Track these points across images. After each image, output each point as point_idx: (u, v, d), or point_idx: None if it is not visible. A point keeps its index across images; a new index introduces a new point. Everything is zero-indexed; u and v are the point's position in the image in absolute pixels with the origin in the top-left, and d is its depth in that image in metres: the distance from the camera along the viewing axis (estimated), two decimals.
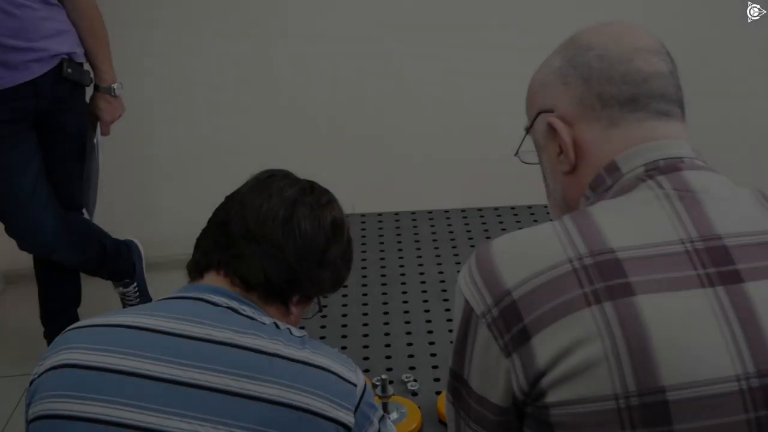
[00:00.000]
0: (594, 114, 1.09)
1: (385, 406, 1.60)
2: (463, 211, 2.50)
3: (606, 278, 0.94)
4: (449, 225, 2.42)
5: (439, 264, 2.21)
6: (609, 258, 0.96)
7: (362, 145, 3.27)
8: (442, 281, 2.13)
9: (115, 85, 2.56)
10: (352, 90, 3.27)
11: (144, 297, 2.88)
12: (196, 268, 1.30)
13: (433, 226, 2.42)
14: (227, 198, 1.36)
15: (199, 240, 1.35)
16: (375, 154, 3.29)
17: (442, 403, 1.64)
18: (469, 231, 2.37)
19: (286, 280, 1.28)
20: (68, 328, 1.24)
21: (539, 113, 1.15)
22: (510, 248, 1.01)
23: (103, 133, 2.61)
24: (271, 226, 1.28)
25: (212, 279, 1.28)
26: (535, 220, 2.41)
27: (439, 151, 3.27)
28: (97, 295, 2.96)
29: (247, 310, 1.22)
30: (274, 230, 1.27)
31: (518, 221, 2.42)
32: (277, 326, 1.21)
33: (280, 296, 1.29)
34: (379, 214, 2.50)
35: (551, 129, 1.12)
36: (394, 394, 1.61)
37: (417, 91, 3.29)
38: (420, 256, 2.25)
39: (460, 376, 1.06)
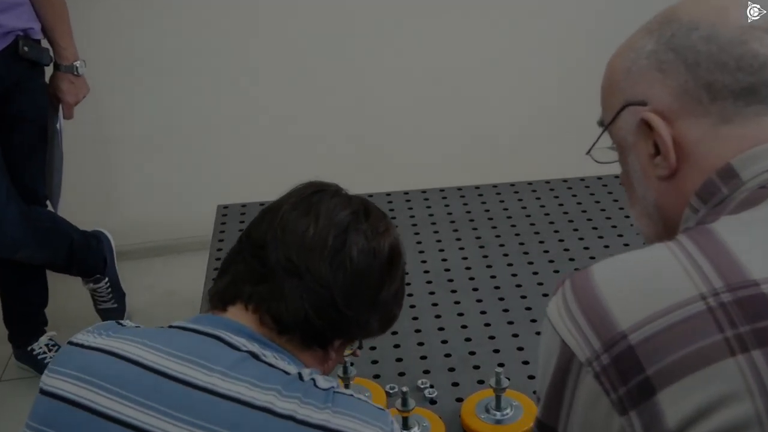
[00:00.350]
0: (701, 108, 0.91)
1: (405, 421, 1.44)
2: (459, 189, 2.33)
3: (752, 319, 0.76)
4: (446, 206, 2.25)
5: (442, 250, 2.04)
6: (753, 293, 0.78)
7: (346, 123, 3.06)
8: (447, 269, 1.96)
9: (77, 63, 2.34)
10: (332, 66, 3.05)
11: (116, 292, 2.68)
12: (221, 298, 1.11)
13: (429, 207, 2.25)
14: (264, 212, 1.16)
15: (227, 261, 1.15)
16: (362, 131, 3.08)
17: (465, 412, 1.49)
18: (469, 212, 2.21)
19: (330, 323, 1.09)
20: (70, 341, 1.09)
21: (625, 106, 0.97)
22: (620, 279, 0.84)
23: (65, 117, 2.39)
24: (318, 258, 1.07)
25: (237, 314, 1.08)
26: (538, 198, 2.25)
27: (430, 128, 3.07)
28: (66, 293, 2.76)
29: (269, 356, 1.04)
30: (321, 263, 1.07)
31: (520, 199, 2.26)
32: (301, 377, 1.02)
33: (320, 341, 1.11)
34: (370, 195, 2.31)
35: (644, 126, 0.94)
36: (415, 407, 1.45)
37: (406, 66, 3.07)
38: (420, 242, 2.08)
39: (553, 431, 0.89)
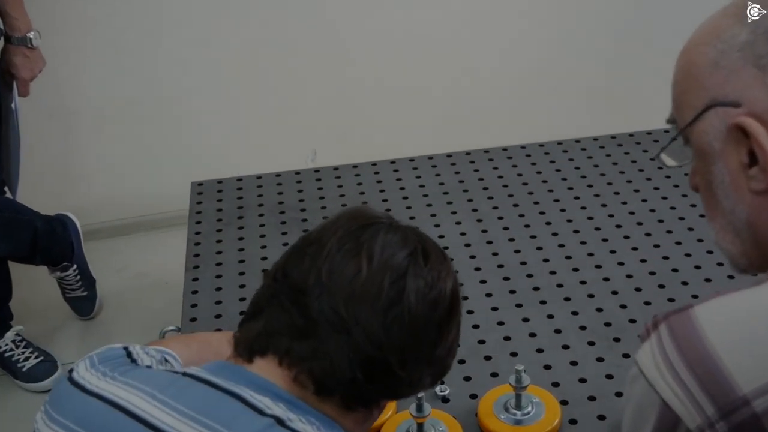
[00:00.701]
0: None
1: (420, 428, 1.32)
2: (449, 156, 2.19)
3: None
4: (437, 175, 2.11)
5: (437, 225, 1.91)
6: None
7: (326, 89, 2.85)
8: (445, 247, 1.82)
9: (31, 35, 2.14)
10: (308, 28, 2.83)
11: (86, 279, 2.52)
12: (249, 347, 0.94)
13: (419, 177, 2.11)
14: (303, 246, 0.97)
15: (259, 302, 0.97)
16: (342, 97, 2.87)
17: (483, 412, 1.38)
18: (462, 181, 2.07)
19: (380, 385, 0.94)
20: (71, 378, 0.96)
21: (711, 106, 0.84)
22: (735, 331, 0.72)
23: (21, 94, 2.20)
24: (370, 311, 0.90)
25: (266, 367, 0.93)
26: (533, 163, 2.13)
27: (414, 91, 2.86)
28: (30, 283, 2.59)
29: (295, 420, 0.89)
30: (374, 317, 0.91)
31: (514, 165, 2.13)
32: None
33: (364, 402, 0.96)
34: (355, 166, 2.18)
35: (737, 131, 0.81)
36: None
37: (387, 27, 2.86)
38: (413, 217, 1.95)
39: None
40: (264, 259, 1.83)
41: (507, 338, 1.57)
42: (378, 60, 2.77)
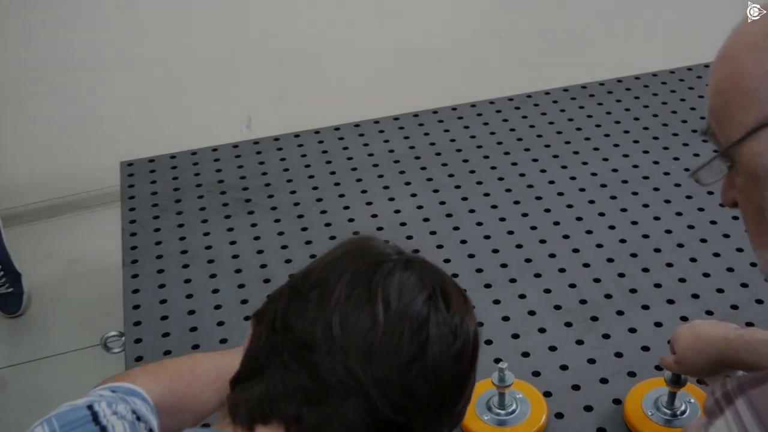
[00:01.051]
0: None
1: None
2: (396, 119, 2.06)
3: None
4: (386, 141, 1.98)
5: (392, 199, 1.79)
6: None
7: (262, 52, 2.63)
8: (403, 224, 1.72)
9: None
10: None
11: (10, 274, 2.33)
12: (249, 414, 0.79)
13: (367, 145, 1.98)
14: (305, 287, 0.81)
15: (256, 356, 0.81)
16: (280, 61, 2.65)
17: None
18: (412, 147, 1.95)
19: None
20: None
21: (765, 125, 0.73)
22: None
23: None
24: (390, 368, 0.77)
25: None
26: (485, 123, 2.01)
27: (349, 53, 2.67)
28: None
29: None
30: (394, 374, 0.76)
31: (466, 126, 2.01)
32: None
33: None
34: (297, 135, 2.03)
35: None
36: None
37: None
38: (365, 191, 1.82)
39: None
40: (208, 248, 1.69)
41: (479, 324, 1.47)
42: (312, 19, 2.58)
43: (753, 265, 1.55)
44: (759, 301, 1.48)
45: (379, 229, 1.70)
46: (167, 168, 1.94)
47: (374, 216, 1.74)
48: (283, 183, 1.86)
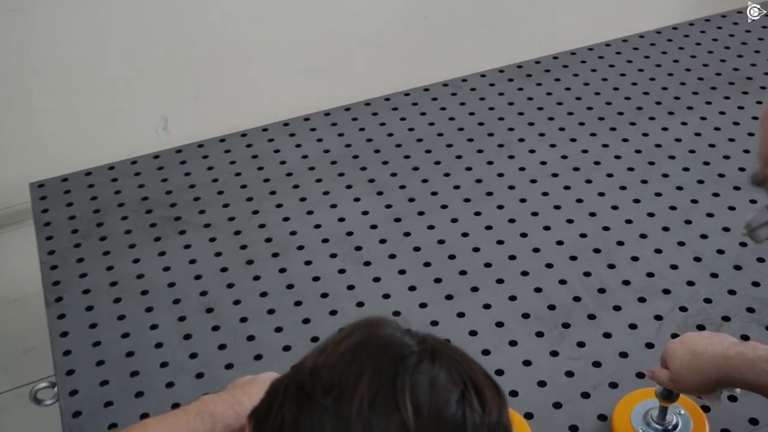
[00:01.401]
0: None
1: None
2: (327, 114, 1.94)
3: None
4: (319, 140, 1.86)
5: (334, 206, 1.67)
6: None
7: (167, 48, 2.39)
8: (350, 233, 1.61)
9: None
10: None
11: None
12: None
13: (299, 145, 1.85)
14: (315, 391, 0.68)
15: None
16: (195, 60, 2.39)
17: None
18: (349, 145, 1.83)
19: None
20: None
21: None
22: None
23: None
24: None
25: None
26: (423, 113, 1.90)
27: (272, 45, 2.46)
28: None
29: None
30: None
31: (403, 118, 1.90)
32: None
33: None
34: (222, 140, 1.89)
35: None
36: None
37: None
38: (304, 198, 1.70)
39: None
40: (140, 277, 1.54)
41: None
42: (227, 9, 2.36)
43: (720, 252, 1.50)
44: (731, 292, 1.42)
45: (325, 241, 1.59)
46: (83, 187, 1.77)
47: (318, 227, 1.62)
48: (213, 195, 1.72)
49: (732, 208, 1.59)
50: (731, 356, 1.03)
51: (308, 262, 1.54)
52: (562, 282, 1.46)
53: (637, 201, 1.62)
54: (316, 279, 1.51)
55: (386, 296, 1.46)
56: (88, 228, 1.66)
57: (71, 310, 1.48)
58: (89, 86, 2.23)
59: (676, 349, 1.10)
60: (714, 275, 1.46)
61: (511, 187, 1.68)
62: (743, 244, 1.51)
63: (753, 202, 1.59)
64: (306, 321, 1.43)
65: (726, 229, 1.54)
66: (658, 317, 1.38)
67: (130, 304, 1.49)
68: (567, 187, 1.66)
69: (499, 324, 1.40)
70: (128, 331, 1.44)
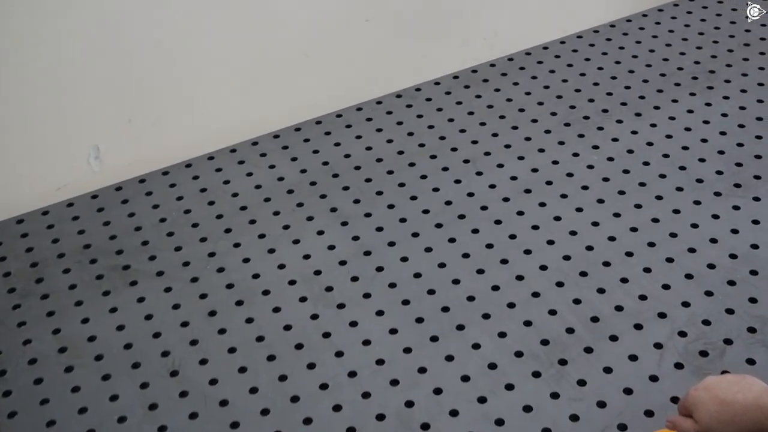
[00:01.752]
0: None
1: None
2: (276, 136, 1.81)
3: None
4: (272, 167, 1.73)
5: (297, 242, 1.55)
6: None
7: (101, 66, 2.15)
8: (318, 272, 1.48)
9: None
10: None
11: None
12: None
13: (251, 174, 1.71)
14: None
15: None
16: (114, 74, 2.19)
17: None
18: (304, 171, 1.70)
19: None
20: None
21: None
22: None
23: None
24: None
25: None
26: (379, 129, 1.79)
27: (209, 62, 2.27)
28: None
29: None
30: None
31: (358, 136, 1.78)
32: None
33: None
34: (165, 173, 1.75)
35: None
36: None
37: None
38: (263, 235, 1.57)
39: None
40: (92, 339, 1.40)
41: (438, 391, 1.27)
42: (159, 22, 2.18)
43: (711, 266, 1.43)
44: (729, 311, 1.35)
45: (291, 283, 1.46)
46: (16, 237, 1.61)
47: (282, 267, 1.50)
48: (162, 237, 1.58)
49: (716, 217, 1.52)
50: (765, 406, 0.95)
51: (276, 309, 1.42)
52: (552, 312, 1.37)
53: (617, 215, 1.54)
54: (287, 328, 1.39)
55: (366, 343, 1.35)
56: (26, 285, 1.51)
57: (17, 386, 1.33)
58: (8, 117, 2.05)
59: (701, 397, 1.02)
60: (708, 293, 1.38)
61: (484, 208, 1.58)
62: (733, 256, 1.44)
63: (736, 208, 1.53)
64: (282, 378, 1.31)
65: (713, 240, 1.47)
66: (658, 345, 1.31)
67: (84, 373, 1.34)
68: (542, 204, 1.57)
69: (492, 366, 1.30)
70: (85, 405, 1.29)
